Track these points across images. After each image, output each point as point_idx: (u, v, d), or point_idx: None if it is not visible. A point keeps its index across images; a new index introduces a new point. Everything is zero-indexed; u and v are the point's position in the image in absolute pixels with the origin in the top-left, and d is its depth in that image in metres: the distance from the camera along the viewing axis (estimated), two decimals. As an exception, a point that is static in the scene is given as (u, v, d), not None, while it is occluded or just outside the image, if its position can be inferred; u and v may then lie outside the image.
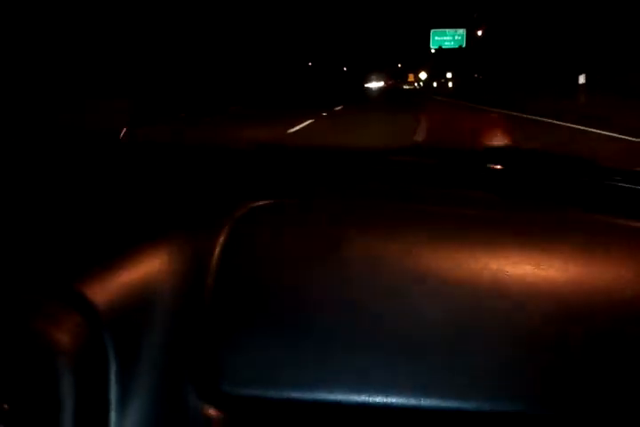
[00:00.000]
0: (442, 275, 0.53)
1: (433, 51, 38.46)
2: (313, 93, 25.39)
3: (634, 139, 6.56)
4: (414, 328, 0.52)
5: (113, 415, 0.43)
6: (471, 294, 0.52)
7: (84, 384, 0.41)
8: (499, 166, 0.81)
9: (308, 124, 8.99)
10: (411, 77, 56.05)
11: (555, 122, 9.07)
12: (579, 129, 8.07)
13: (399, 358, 0.51)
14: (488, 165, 0.82)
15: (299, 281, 0.55)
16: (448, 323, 0.51)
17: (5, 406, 0.38)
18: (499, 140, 6.45)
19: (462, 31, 34.69)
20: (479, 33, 33.38)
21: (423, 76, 48.06)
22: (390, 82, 45.23)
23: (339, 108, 15.58)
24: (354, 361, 0.51)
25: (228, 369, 0.52)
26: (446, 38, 35.20)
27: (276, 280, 0.55)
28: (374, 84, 45.41)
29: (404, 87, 58.90)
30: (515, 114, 11.20)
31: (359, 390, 0.50)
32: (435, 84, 43.41)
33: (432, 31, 34.62)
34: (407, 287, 0.53)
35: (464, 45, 34.66)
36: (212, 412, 0.51)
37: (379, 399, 0.51)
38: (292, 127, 8.23)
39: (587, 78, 11.70)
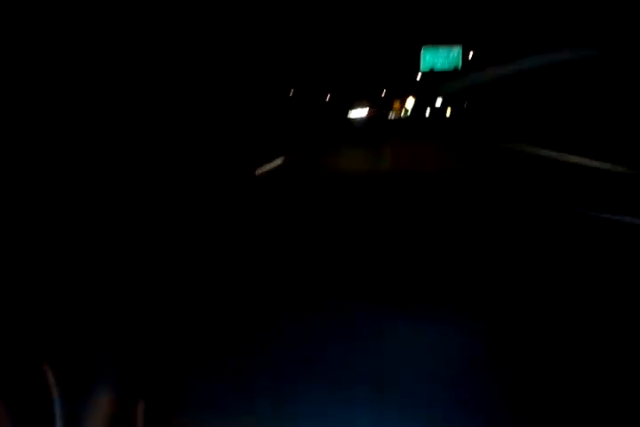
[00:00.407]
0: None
1: (419, 76, 32.90)
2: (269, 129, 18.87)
3: None
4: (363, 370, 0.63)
5: None
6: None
7: (25, 416, 0.46)
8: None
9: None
10: (396, 105, 51.34)
11: None
12: None
13: (359, 397, 0.59)
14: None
15: (254, 319, 0.64)
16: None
17: None
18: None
19: (458, 49, 29.06)
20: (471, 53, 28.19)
21: (410, 103, 42.23)
22: (374, 110, 39.68)
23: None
24: (308, 394, 0.59)
25: (177, 401, 0.58)
26: (438, 57, 29.52)
27: (231, 315, 0.64)
28: (357, 114, 40.69)
29: (390, 117, 54.07)
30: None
31: (313, 423, 0.59)
32: (427, 113, 37.81)
33: (423, 48, 28.94)
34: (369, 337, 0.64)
35: (460, 67, 29.10)
36: None
37: None
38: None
39: None
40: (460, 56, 27.67)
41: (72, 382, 0.56)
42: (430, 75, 31.21)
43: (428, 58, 28.26)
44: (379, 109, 42.68)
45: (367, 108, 42.36)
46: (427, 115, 37.28)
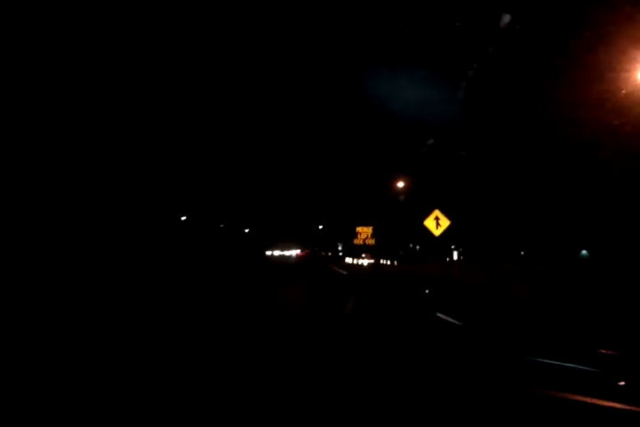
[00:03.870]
0: None
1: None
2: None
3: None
4: None
5: None
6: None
7: None
8: None
9: None
10: (363, 234, 27.77)
11: None
12: None
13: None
14: None
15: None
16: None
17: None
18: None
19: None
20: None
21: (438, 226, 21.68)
22: (307, 251, 32.14)
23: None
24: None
25: None
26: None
27: None
28: (284, 253, 32.67)
29: (358, 262, 31.81)
30: None
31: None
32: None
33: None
34: None
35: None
36: None
37: None
38: None
39: None
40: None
41: None
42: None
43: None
44: (311, 249, 35.77)
45: (298, 249, 35.48)
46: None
